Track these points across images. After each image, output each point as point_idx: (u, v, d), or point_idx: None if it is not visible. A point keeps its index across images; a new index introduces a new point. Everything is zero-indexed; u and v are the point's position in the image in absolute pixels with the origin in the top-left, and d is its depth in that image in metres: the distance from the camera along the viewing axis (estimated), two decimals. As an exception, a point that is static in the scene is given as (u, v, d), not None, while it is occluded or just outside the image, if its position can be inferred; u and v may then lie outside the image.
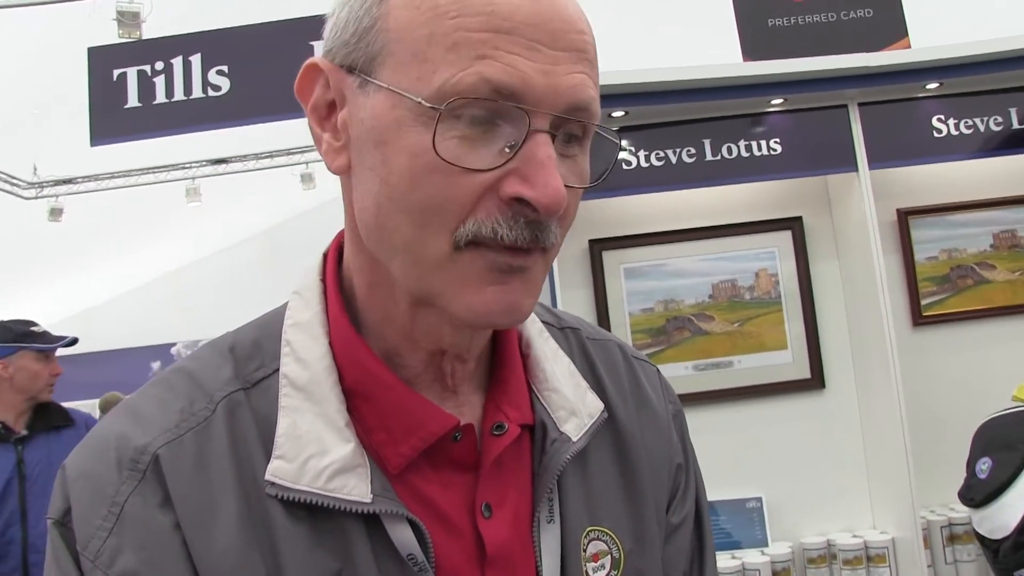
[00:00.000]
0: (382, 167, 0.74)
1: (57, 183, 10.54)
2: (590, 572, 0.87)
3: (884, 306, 2.86)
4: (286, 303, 0.88)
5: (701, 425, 3.02)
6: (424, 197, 0.72)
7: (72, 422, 3.58)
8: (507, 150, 0.72)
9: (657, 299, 3.05)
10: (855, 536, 2.94)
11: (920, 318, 3.17)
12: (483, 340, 0.88)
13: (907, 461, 2.76)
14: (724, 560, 2.83)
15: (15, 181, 10.37)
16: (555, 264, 2.80)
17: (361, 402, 0.82)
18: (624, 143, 2.91)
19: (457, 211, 0.73)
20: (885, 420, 2.89)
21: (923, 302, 3.17)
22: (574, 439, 0.88)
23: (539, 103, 0.72)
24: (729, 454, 3.04)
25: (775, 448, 3.06)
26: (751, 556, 2.85)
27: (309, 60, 0.80)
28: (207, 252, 12.89)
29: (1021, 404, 1.94)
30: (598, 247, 3.03)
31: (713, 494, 2.96)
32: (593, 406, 0.93)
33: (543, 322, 0.98)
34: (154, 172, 10.62)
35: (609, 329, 2.99)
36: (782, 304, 3.09)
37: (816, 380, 3.07)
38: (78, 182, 10.58)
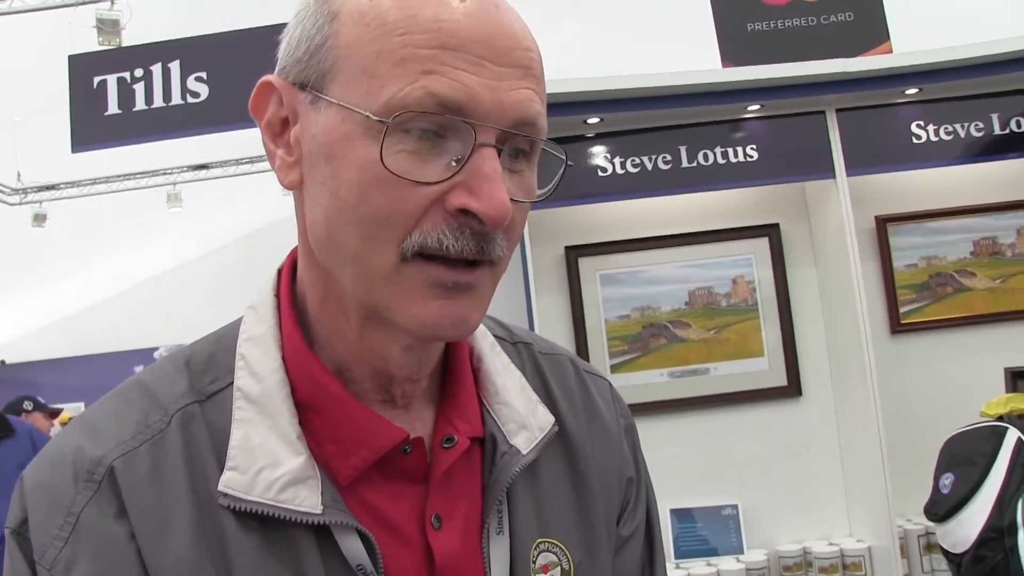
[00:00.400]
0: (332, 181, 0.76)
1: (40, 189, 10.51)
2: None
3: (861, 314, 2.86)
4: (241, 317, 0.89)
5: (677, 432, 3.02)
6: (372, 209, 0.74)
7: (13, 432, 3.53)
8: (454, 163, 0.74)
9: (633, 306, 3.03)
10: (831, 544, 2.93)
11: (898, 326, 3.16)
12: (431, 362, 0.89)
13: (884, 469, 2.75)
14: (699, 567, 2.82)
15: (0, 188, 10.35)
16: (531, 270, 2.79)
17: (313, 415, 0.83)
18: (600, 150, 2.90)
19: (404, 223, 0.74)
20: (862, 428, 2.89)
21: (902, 310, 3.17)
22: (524, 452, 0.89)
23: (485, 117, 0.74)
24: (705, 461, 3.03)
25: (751, 455, 3.05)
26: (727, 563, 2.84)
27: (263, 78, 0.82)
28: (190, 257, 12.89)
29: (988, 419, 1.94)
30: (574, 253, 3.02)
31: (689, 501, 2.98)
32: (544, 420, 0.94)
33: (495, 336, 0.99)
34: (136, 178, 10.60)
35: (585, 336, 2.98)
36: (759, 311, 3.08)
37: (793, 387, 3.07)
38: (61, 188, 10.55)
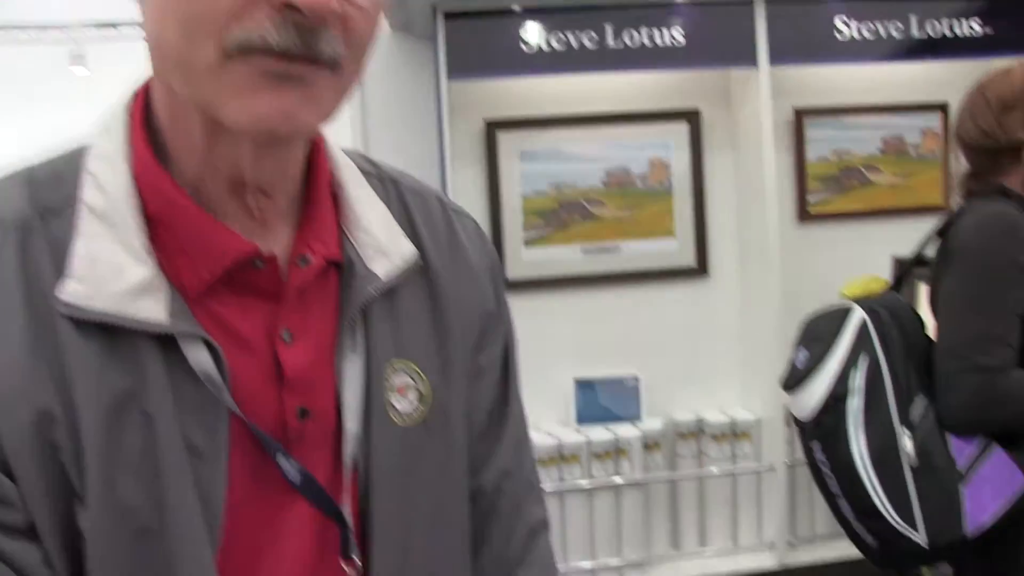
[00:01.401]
0: None
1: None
2: (393, 402, 0.90)
3: (771, 201, 2.97)
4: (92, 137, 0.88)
5: (588, 307, 3.14)
6: (189, 6, 0.73)
7: None
8: None
9: (550, 182, 3.10)
10: (723, 414, 3.11)
11: (806, 215, 3.28)
12: (287, 177, 0.89)
13: (778, 348, 2.90)
14: (599, 433, 2.97)
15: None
16: (447, 142, 2.82)
17: (163, 229, 0.82)
18: (525, 24, 2.91)
19: (222, 18, 0.72)
20: (763, 310, 3.03)
21: (810, 199, 3.28)
22: (382, 277, 0.91)
23: None
24: (613, 335, 3.15)
25: (657, 331, 3.18)
26: (624, 430, 2.99)
27: None
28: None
29: (847, 301, 2.09)
30: (494, 127, 3.06)
31: (594, 372, 3.11)
32: (406, 250, 0.95)
33: (362, 170, 0.99)
34: (30, 30, 10.11)
35: (500, 211, 3.05)
36: (672, 193, 3.17)
37: (701, 268, 3.19)
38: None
